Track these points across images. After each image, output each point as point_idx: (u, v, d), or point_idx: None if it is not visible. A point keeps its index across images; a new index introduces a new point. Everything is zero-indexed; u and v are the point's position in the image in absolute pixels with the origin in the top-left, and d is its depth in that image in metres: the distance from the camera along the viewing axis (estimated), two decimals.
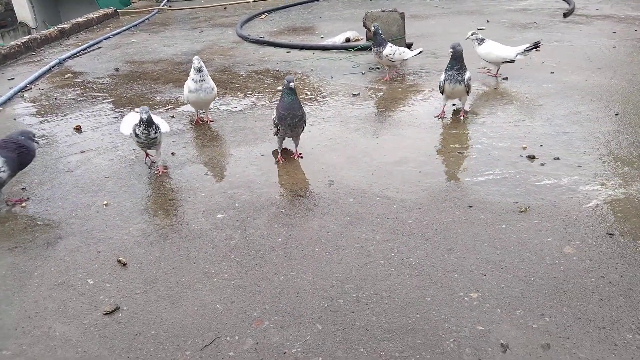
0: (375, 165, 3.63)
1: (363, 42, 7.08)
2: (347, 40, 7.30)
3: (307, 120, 3.76)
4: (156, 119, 3.65)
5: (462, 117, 4.32)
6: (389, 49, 5.33)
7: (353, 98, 5.04)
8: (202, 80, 4.31)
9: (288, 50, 7.18)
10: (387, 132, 4.22)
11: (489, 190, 3.19)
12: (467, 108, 4.45)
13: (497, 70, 5.29)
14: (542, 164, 3.46)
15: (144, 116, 3.46)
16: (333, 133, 4.24)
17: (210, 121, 4.63)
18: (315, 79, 5.77)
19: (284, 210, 3.15)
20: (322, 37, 7.80)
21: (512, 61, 5.13)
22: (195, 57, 4.33)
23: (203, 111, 4.64)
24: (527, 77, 5.27)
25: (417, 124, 4.31)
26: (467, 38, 5.07)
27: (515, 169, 3.42)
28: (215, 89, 4.48)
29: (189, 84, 4.34)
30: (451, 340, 2.10)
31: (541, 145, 3.72)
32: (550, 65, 5.65)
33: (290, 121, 3.60)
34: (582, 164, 3.43)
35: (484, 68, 5.37)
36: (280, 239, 2.86)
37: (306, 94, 5.25)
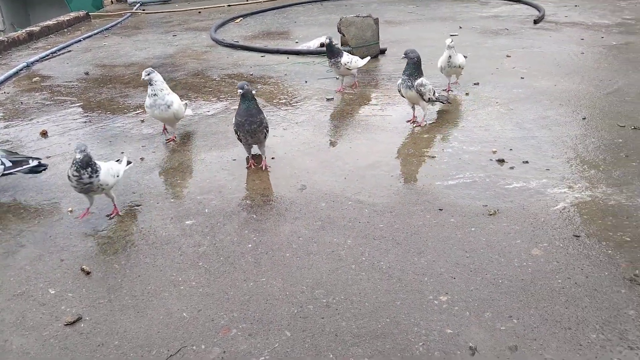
0: (347, 169, 3.62)
1: (337, 47, 7.09)
2: (322, 45, 7.29)
3: (268, 127, 3.65)
4: (105, 164, 3.06)
5: (412, 125, 4.33)
6: (347, 57, 5.23)
7: (327, 102, 5.03)
8: (154, 95, 3.94)
9: (262, 54, 7.14)
10: (360, 136, 4.21)
11: (459, 193, 3.20)
12: (423, 119, 4.35)
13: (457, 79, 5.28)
14: (512, 168, 3.49)
15: (78, 156, 2.84)
16: (306, 137, 4.22)
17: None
18: (289, 83, 5.75)
19: (254, 216, 3.10)
20: (296, 42, 7.79)
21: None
22: (146, 69, 3.95)
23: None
24: (498, 83, 5.34)
25: (389, 129, 4.32)
26: (449, 45, 4.86)
27: (485, 172, 3.45)
28: (175, 104, 4.04)
29: (146, 99, 4.04)
30: (420, 344, 2.09)
31: (511, 149, 3.76)
32: (520, 70, 5.74)
33: (248, 127, 3.53)
34: (550, 168, 3.48)
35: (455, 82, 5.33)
36: (250, 245, 2.82)
37: (280, 99, 5.22)
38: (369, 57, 5.70)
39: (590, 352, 1.99)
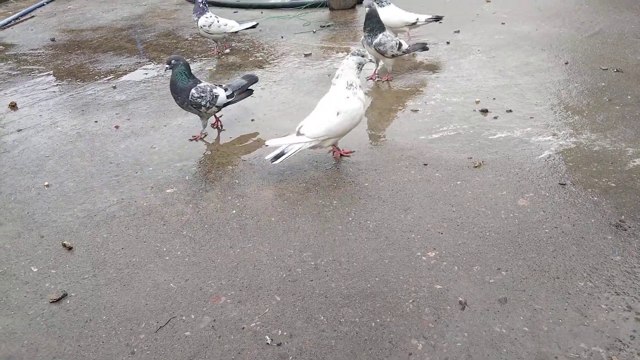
0: None
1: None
2: None
3: (202, 102, 3.30)
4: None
5: (377, 79, 4.22)
6: (204, 20, 4.74)
7: (305, 58, 4.89)
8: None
9: (235, 10, 6.89)
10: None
11: (444, 147, 3.17)
12: (389, 75, 4.26)
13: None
14: (495, 118, 3.45)
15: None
16: (285, 97, 4.11)
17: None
18: (264, 39, 5.56)
19: (237, 181, 3.04)
20: None
21: (414, 24, 4.70)
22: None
23: None
24: (479, 29, 5.23)
25: (370, 84, 4.22)
26: None
27: (469, 124, 3.41)
28: None
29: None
30: (410, 301, 2.09)
31: (494, 98, 3.71)
32: (501, 16, 5.62)
33: (175, 102, 3.41)
34: (534, 115, 3.44)
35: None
36: (234, 211, 2.76)
37: (256, 56, 5.05)
38: (253, 23, 5.07)
39: (578, 300, 2.02)
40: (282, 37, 5.59)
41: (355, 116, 2.93)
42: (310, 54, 4.98)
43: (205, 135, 3.55)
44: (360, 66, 2.94)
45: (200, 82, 3.38)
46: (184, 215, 2.76)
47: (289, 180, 2.99)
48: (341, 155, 3.14)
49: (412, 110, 3.68)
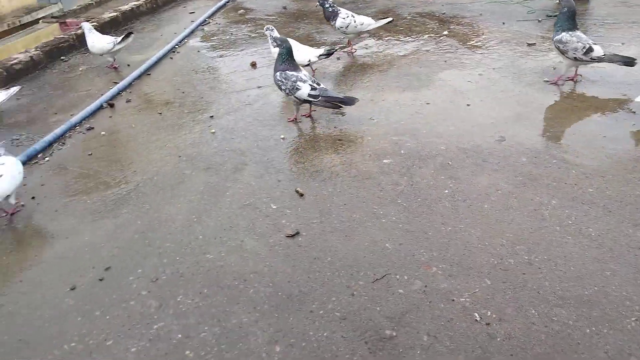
0: (551, 125, 3.43)
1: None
2: None
3: (281, 86, 3.67)
4: None
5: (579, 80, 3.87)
6: (341, 21, 4.78)
7: (528, 48, 4.71)
8: None
9: None
10: (568, 88, 3.90)
11: None
12: (559, 78, 3.90)
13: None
14: None
15: None
16: (504, 85, 4.05)
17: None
18: (484, 24, 5.47)
19: (450, 162, 3.15)
20: None
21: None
22: None
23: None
24: None
25: (605, 82, 3.92)
26: None
27: None
28: None
29: None
30: (633, 319, 2.01)
31: None
32: None
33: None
34: None
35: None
36: (447, 191, 2.89)
37: (474, 41, 5.02)
38: (387, 19, 4.99)
39: None
40: (503, 23, 5.44)
41: None
42: (535, 43, 4.78)
43: (300, 121, 3.81)
44: None
45: (294, 70, 3.64)
46: (398, 186, 2.97)
47: (504, 170, 3.00)
48: None
49: None
